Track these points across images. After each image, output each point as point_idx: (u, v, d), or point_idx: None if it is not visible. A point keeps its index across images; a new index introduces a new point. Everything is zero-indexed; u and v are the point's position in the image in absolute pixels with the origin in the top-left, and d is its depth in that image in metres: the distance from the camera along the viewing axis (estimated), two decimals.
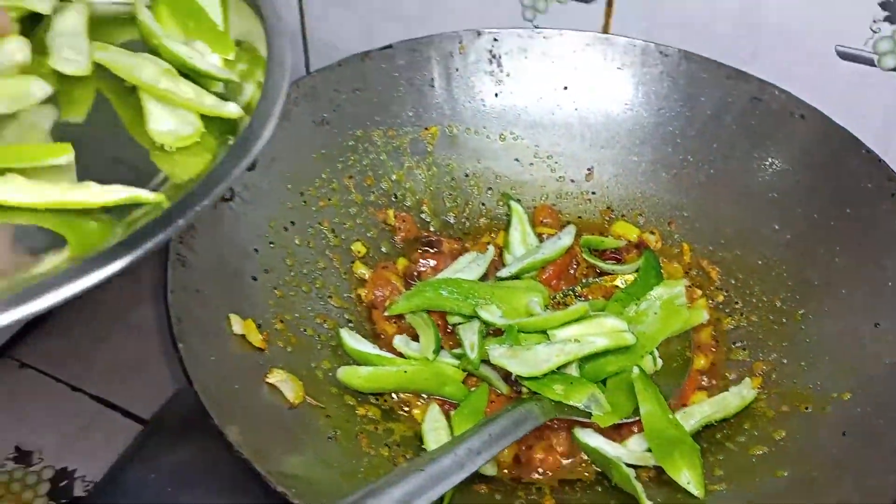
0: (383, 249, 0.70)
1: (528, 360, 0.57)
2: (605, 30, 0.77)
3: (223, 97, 0.53)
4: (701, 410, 0.58)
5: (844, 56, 0.70)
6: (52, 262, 0.41)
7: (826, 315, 0.61)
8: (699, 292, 0.67)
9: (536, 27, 0.78)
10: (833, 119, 0.65)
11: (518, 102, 0.75)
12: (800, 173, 0.66)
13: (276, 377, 0.55)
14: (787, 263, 0.65)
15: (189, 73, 0.54)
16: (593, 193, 0.74)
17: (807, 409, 0.57)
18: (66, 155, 0.46)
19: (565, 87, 0.74)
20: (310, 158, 0.68)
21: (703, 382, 0.62)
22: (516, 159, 0.75)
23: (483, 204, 0.74)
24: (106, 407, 0.74)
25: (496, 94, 0.75)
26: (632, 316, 0.62)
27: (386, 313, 0.64)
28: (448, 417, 0.58)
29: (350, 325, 0.64)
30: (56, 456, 0.70)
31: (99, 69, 0.54)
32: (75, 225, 0.43)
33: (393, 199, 0.72)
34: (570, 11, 0.78)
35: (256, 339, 0.56)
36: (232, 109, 0.51)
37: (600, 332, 0.59)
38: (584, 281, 0.67)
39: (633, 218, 0.72)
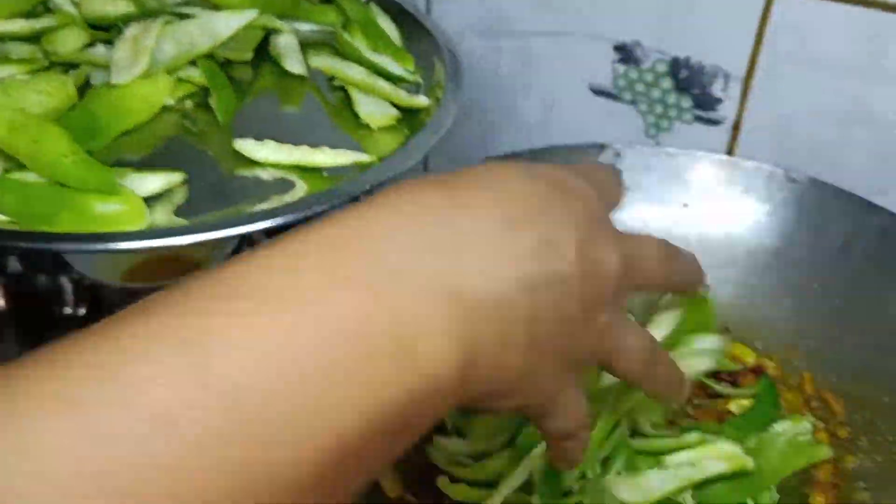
0: None
1: (639, 486, 0.54)
2: (730, 153, 0.77)
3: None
4: None
5: None
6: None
7: None
8: (822, 424, 0.63)
9: (658, 144, 0.79)
10: None
11: (637, 215, 0.74)
12: None
13: None
14: None
15: (384, 76, 0.66)
16: None
17: None
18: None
19: (685, 205, 0.74)
20: None
21: None
22: None
23: None
24: None
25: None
26: (752, 447, 0.59)
27: None
28: None
29: None
30: None
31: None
32: (307, 177, 0.57)
33: None
34: (694, 133, 0.78)
35: None
36: (422, 100, 0.64)
37: (717, 456, 0.56)
38: (695, 402, 0.65)
39: (751, 342, 0.70)
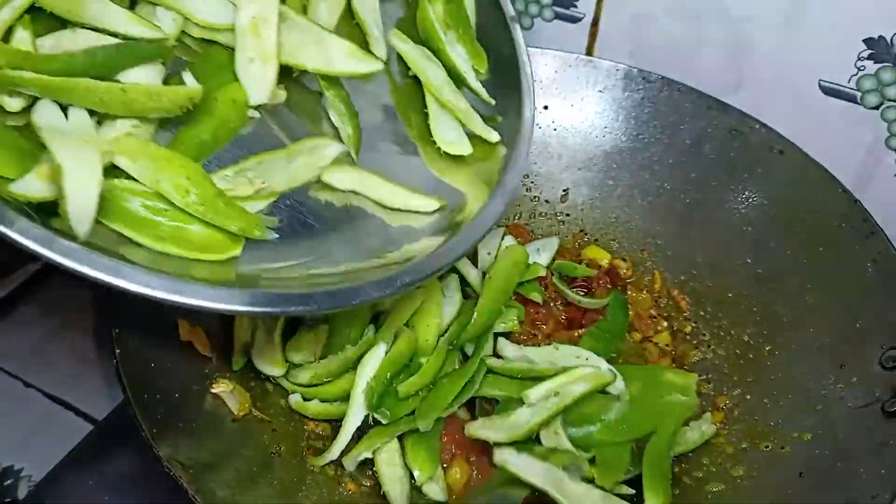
0: None
1: (506, 426, 0.55)
2: (589, 51, 0.77)
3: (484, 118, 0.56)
4: None
5: (828, 91, 0.70)
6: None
7: (792, 353, 0.60)
8: (665, 324, 0.66)
9: None
10: (811, 156, 0.64)
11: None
12: (775, 208, 0.65)
13: (221, 388, 0.53)
14: (757, 298, 0.64)
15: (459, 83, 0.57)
16: (567, 215, 0.73)
17: (766, 447, 0.56)
18: None
19: (545, 107, 0.73)
20: None
21: None
22: None
23: None
24: (60, 406, 0.73)
25: None
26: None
27: None
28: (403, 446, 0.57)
29: None
30: (6, 453, 0.67)
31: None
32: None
33: None
34: (554, 29, 0.77)
35: (204, 346, 0.55)
36: (494, 137, 0.55)
37: (578, 379, 0.57)
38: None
39: (606, 243, 0.71)
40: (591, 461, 0.55)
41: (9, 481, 0.66)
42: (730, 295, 0.66)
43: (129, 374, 0.48)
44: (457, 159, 0.55)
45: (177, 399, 0.50)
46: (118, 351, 0.49)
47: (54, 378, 0.74)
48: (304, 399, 0.57)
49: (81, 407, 0.72)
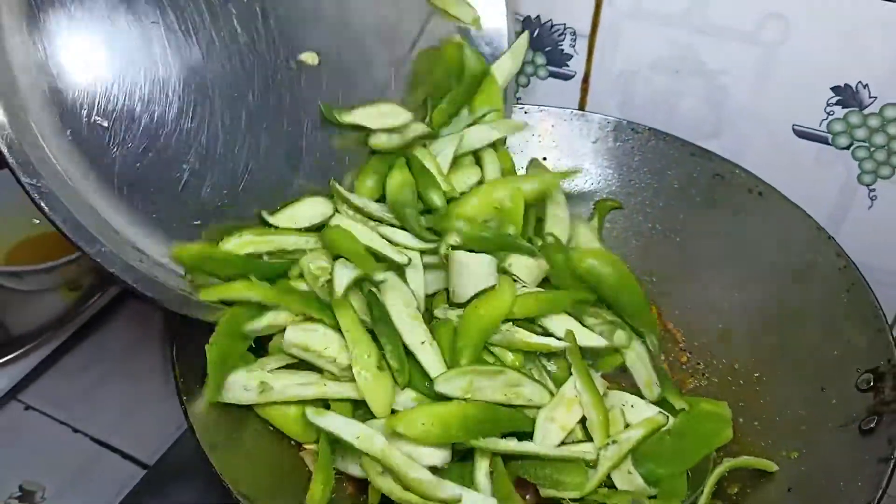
0: None
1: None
2: (582, 106, 0.83)
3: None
4: None
5: (801, 135, 0.76)
6: None
7: (778, 379, 0.66)
8: (662, 357, 0.72)
9: (519, 99, 0.84)
10: (787, 196, 0.70)
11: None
12: (758, 247, 0.71)
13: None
14: (744, 329, 0.70)
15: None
16: None
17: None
18: None
19: (544, 158, 0.80)
20: None
21: None
22: None
23: None
24: (106, 449, 0.77)
25: None
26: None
27: None
28: None
29: None
30: (58, 496, 0.73)
31: None
32: None
33: None
34: (549, 87, 0.84)
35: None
36: None
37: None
38: None
39: None
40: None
41: None
42: (720, 326, 0.72)
43: (194, 415, 0.54)
44: None
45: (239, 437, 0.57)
46: (185, 397, 0.55)
47: (99, 421, 0.79)
48: None
49: (126, 449, 0.77)
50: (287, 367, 0.61)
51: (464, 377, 0.58)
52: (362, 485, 0.59)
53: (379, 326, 0.59)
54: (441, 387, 0.57)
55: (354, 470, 0.58)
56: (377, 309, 0.60)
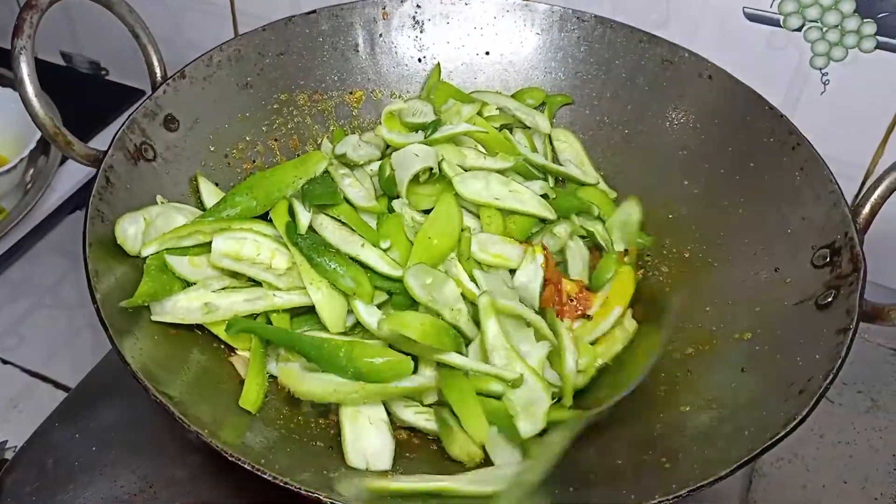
0: None
1: None
2: None
3: None
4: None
5: (752, 17, 0.73)
6: None
7: (730, 263, 0.63)
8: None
9: None
10: (738, 78, 0.67)
11: (443, 67, 0.76)
12: (707, 131, 0.68)
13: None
14: (694, 216, 0.67)
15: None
16: None
17: (709, 349, 0.59)
18: None
19: (487, 53, 0.76)
20: (234, 120, 0.69)
21: None
22: None
23: None
24: (37, 379, 0.75)
25: (419, 60, 0.76)
26: None
27: None
28: None
29: None
30: None
31: None
32: None
33: None
34: None
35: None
36: None
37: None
38: None
39: None
40: None
41: None
42: (670, 216, 0.69)
43: (109, 315, 0.50)
44: None
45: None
46: (98, 296, 0.51)
47: (27, 353, 0.77)
48: None
49: (56, 378, 0.75)
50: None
51: (428, 275, 0.59)
52: None
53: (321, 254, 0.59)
54: (411, 280, 0.58)
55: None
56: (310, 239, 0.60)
